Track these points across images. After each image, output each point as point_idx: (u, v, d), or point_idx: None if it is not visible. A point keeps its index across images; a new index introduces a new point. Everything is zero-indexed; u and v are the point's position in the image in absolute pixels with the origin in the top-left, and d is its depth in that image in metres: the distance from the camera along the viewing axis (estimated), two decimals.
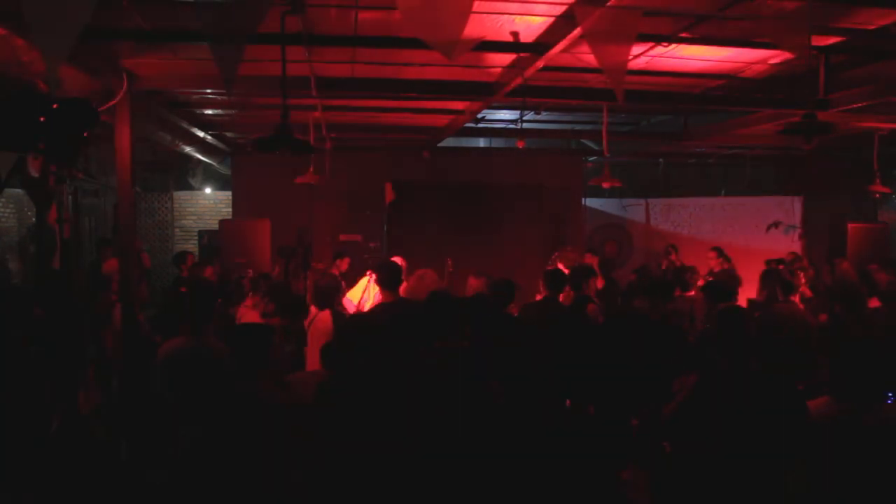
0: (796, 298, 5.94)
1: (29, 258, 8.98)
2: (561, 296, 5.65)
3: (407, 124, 8.82)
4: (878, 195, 8.47)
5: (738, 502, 2.86)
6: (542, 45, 4.91)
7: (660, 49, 5.04)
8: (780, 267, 7.48)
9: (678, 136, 9.11)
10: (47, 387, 3.62)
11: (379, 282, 4.99)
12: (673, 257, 9.38)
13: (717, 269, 8.34)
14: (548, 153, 11.39)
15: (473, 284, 5.77)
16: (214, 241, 10.18)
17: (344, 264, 8.32)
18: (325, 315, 5.30)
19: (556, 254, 7.49)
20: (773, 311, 5.64)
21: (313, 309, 5.45)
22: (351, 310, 6.11)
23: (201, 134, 8.72)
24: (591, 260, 9.29)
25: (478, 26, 4.58)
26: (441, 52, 3.16)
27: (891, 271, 6.98)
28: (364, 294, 6.17)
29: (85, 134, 3.29)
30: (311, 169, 7.59)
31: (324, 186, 8.58)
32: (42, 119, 3.19)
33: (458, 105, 7.40)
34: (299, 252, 8.61)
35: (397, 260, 6.35)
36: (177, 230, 11.87)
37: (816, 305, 6.32)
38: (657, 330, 4.77)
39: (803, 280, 6.89)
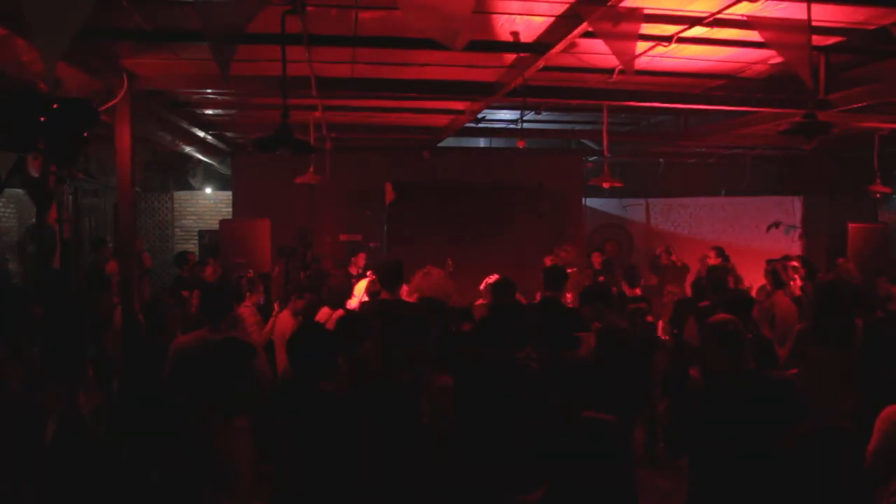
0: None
1: (29, 258, 8.98)
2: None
3: (407, 124, 8.82)
4: (878, 195, 8.46)
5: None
6: (542, 45, 4.91)
7: (660, 49, 5.04)
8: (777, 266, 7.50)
9: (678, 136, 9.11)
10: (47, 387, 3.62)
11: (379, 281, 5.13)
12: (674, 258, 9.35)
13: None
14: (548, 153, 11.39)
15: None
16: (215, 241, 10.19)
17: (361, 260, 8.34)
18: (340, 315, 5.39)
19: (555, 250, 7.42)
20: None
21: (326, 309, 5.49)
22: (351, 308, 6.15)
23: (201, 134, 8.73)
24: (597, 259, 9.29)
25: (478, 26, 4.58)
26: (443, 41, 3.14)
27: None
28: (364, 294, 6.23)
29: (85, 134, 3.29)
30: (311, 169, 7.59)
31: (324, 186, 8.59)
32: (42, 119, 3.18)
33: (458, 105, 7.40)
34: (299, 252, 8.64)
35: None
36: (177, 230, 11.87)
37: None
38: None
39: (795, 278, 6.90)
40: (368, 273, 7.26)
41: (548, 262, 8.46)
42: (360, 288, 6.39)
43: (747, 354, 3.04)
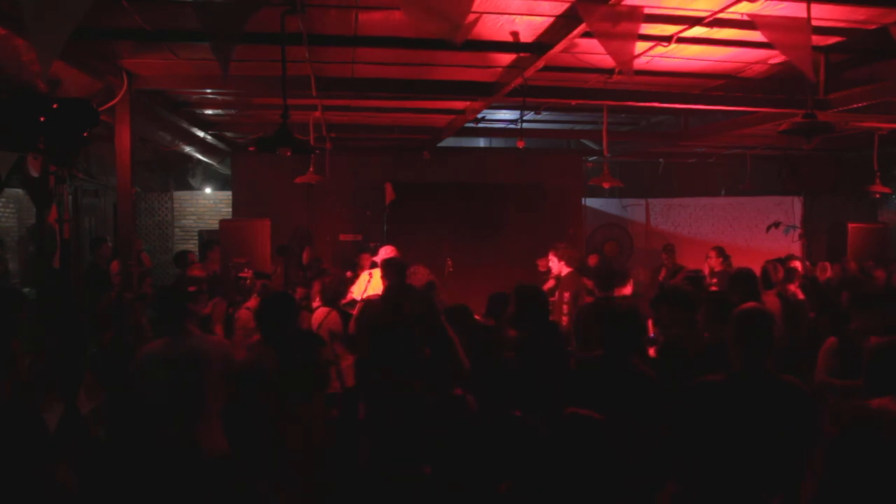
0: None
1: (29, 258, 8.98)
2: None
3: (407, 124, 8.82)
4: (878, 195, 8.46)
5: None
6: (542, 45, 4.91)
7: (660, 49, 5.05)
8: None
9: (678, 136, 9.11)
10: (47, 387, 3.62)
11: (383, 277, 5.30)
12: (664, 257, 9.29)
13: (717, 269, 8.32)
14: (548, 153, 11.39)
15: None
16: (213, 240, 10.17)
17: (364, 261, 8.33)
18: (334, 314, 5.41)
19: (550, 254, 7.22)
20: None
21: (323, 309, 5.49)
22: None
23: (201, 134, 8.73)
24: (594, 262, 9.23)
25: (478, 25, 4.58)
26: (444, 37, 3.14)
27: (889, 269, 6.99)
28: (366, 287, 6.24)
29: (85, 134, 3.29)
30: (311, 169, 7.59)
31: (324, 186, 8.59)
32: (42, 119, 3.18)
33: (458, 105, 7.40)
34: (294, 251, 8.65)
35: (389, 249, 6.45)
36: (177, 230, 11.87)
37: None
38: None
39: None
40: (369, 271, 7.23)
41: (541, 265, 8.38)
42: (364, 283, 6.38)
43: (767, 353, 2.92)
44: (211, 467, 3.66)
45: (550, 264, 6.93)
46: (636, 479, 2.99)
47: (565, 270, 6.69)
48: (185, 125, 8.02)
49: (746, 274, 5.10)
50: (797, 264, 7.46)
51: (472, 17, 3.49)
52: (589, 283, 6.73)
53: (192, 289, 5.54)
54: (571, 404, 2.70)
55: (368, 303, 5.65)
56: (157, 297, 4.14)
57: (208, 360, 3.74)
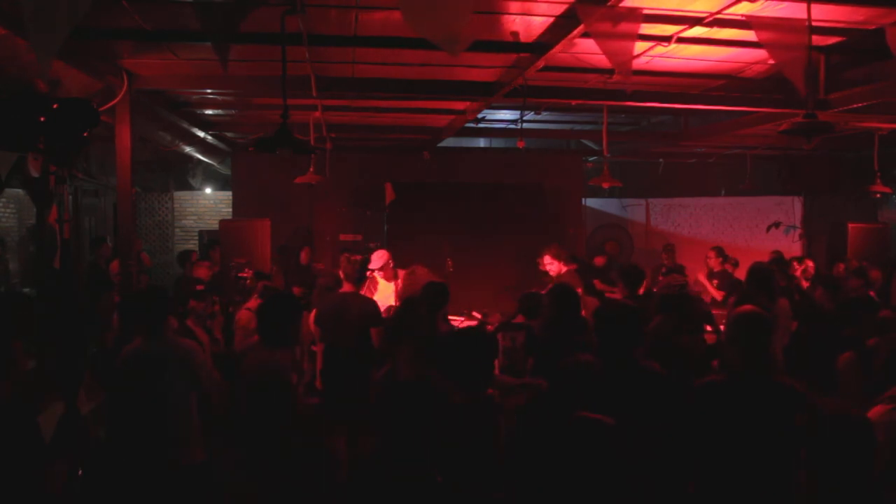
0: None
1: (29, 258, 8.99)
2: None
3: (407, 124, 8.82)
4: (878, 195, 8.46)
5: None
6: (542, 45, 4.91)
7: (660, 49, 5.05)
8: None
9: (678, 136, 9.10)
10: (47, 387, 3.62)
11: (344, 275, 5.33)
12: (664, 257, 9.28)
13: (717, 270, 8.33)
14: (548, 153, 11.39)
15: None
16: (214, 240, 10.17)
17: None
18: None
19: (545, 256, 7.13)
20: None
21: None
22: None
23: (201, 134, 8.73)
24: (600, 261, 9.23)
25: (478, 25, 4.58)
26: (444, 48, 3.14)
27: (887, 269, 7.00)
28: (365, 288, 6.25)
29: (85, 134, 3.29)
30: (311, 169, 7.59)
31: (324, 186, 8.59)
32: (42, 119, 3.18)
33: (458, 105, 7.40)
34: (291, 251, 8.65)
35: (382, 254, 6.45)
36: (177, 230, 11.87)
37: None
38: None
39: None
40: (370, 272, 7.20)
41: (542, 265, 8.35)
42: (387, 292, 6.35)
43: (764, 355, 2.94)
44: (186, 475, 3.66)
45: (548, 266, 6.92)
46: (642, 480, 2.99)
47: (564, 269, 6.71)
48: (185, 125, 8.02)
49: (761, 272, 5.17)
50: (809, 262, 7.48)
51: (471, 26, 3.47)
52: (599, 284, 6.75)
53: (200, 287, 5.53)
54: (580, 405, 2.70)
55: (331, 296, 5.62)
56: (137, 298, 4.09)
57: (179, 363, 3.72)
